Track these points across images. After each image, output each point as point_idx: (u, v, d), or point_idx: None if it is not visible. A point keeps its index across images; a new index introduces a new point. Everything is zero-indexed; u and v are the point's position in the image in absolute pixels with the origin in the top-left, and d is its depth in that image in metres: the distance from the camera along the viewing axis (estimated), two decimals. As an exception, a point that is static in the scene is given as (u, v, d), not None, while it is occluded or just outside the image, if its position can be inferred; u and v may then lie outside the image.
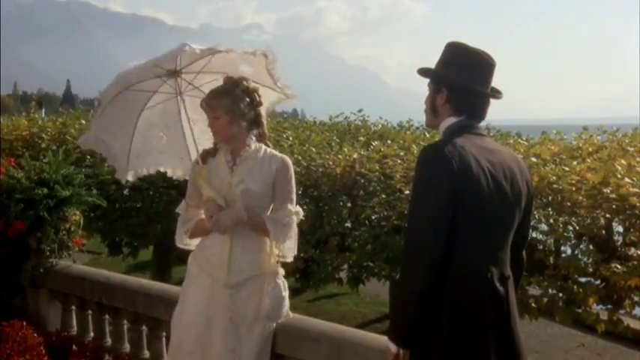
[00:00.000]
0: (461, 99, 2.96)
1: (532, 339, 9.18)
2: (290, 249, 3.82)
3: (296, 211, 3.77)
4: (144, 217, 9.78)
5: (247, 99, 3.68)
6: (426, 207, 2.76)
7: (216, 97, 3.65)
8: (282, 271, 3.80)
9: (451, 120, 2.96)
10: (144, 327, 4.86)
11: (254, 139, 3.77)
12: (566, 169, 6.67)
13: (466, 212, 2.76)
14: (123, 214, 9.92)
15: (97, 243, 10.77)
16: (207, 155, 3.80)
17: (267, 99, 3.91)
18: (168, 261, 10.68)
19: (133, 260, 10.96)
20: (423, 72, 3.06)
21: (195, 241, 3.91)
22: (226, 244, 3.69)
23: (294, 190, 3.80)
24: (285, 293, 3.80)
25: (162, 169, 4.23)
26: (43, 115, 18.99)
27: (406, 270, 2.85)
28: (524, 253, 3.21)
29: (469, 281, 2.81)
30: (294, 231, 3.78)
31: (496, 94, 3.03)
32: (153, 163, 4.19)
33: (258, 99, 3.73)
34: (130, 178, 4.16)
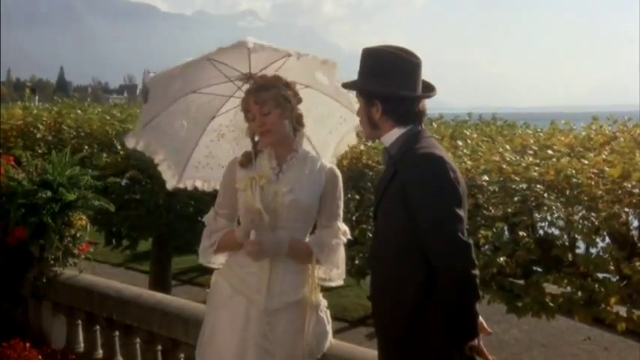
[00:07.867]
0: (397, 108, 2.76)
1: (537, 332, 8.82)
2: (339, 274, 3.26)
3: (344, 231, 3.20)
4: (143, 210, 9.13)
5: (290, 92, 3.10)
6: (449, 212, 2.55)
7: (263, 90, 3.03)
8: (324, 302, 3.22)
9: (399, 131, 2.76)
10: (159, 347, 4.23)
11: (300, 143, 3.18)
12: (585, 162, 6.13)
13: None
14: (122, 206, 9.25)
15: (93, 232, 10.15)
16: (248, 159, 3.13)
17: (346, 124, 3.43)
18: (168, 252, 10.05)
19: (131, 252, 10.45)
20: (351, 86, 2.90)
21: (222, 259, 3.27)
22: (266, 262, 3.06)
23: (342, 204, 3.21)
24: (329, 327, 3.24)
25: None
26: (37, 102, 18.36)
27: (460, 277, 2.52)
28: None
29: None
30: (342, 253, 3.21)
31: (429, 92, 2.83)
32: (213, 177, 3.47)
33: (298, 94, 3.15)
34: (181, 186, 3.48)
